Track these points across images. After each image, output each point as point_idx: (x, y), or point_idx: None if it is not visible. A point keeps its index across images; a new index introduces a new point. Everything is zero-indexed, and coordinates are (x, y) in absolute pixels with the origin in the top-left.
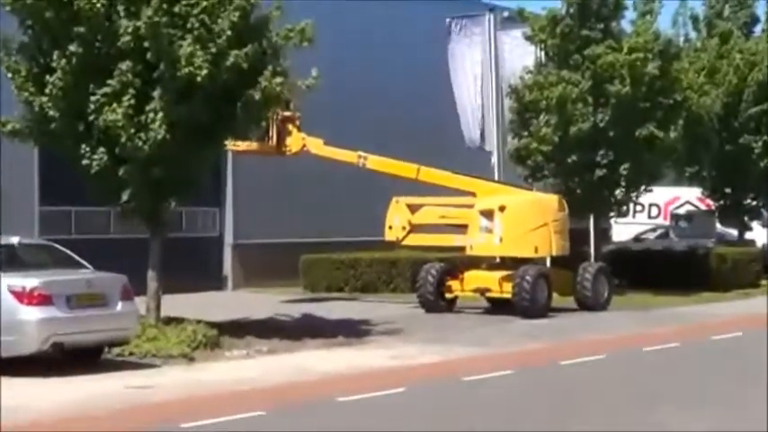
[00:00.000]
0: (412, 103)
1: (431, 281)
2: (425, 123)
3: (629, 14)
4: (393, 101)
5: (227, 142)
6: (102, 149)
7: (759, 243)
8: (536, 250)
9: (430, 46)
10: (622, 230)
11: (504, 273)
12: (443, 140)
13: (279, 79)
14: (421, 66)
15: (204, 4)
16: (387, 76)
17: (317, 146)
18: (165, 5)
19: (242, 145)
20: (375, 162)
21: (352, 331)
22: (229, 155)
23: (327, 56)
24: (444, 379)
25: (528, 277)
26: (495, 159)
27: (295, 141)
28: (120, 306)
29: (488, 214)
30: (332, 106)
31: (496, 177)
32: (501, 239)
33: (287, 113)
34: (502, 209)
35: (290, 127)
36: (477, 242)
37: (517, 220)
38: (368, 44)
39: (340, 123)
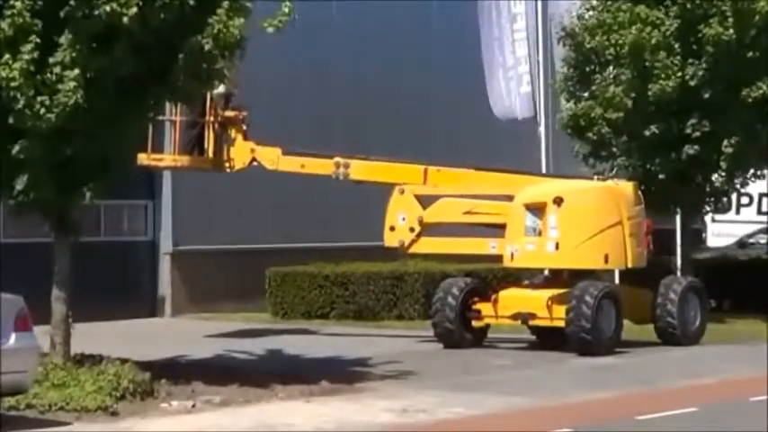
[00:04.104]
0: (422, 82)
1: (452, 304)
2: (444, 103)
3: None
4: (395, 83)
5: (143, 156)
6: None
7: None
8: (606, 260)
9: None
10: (722, 231)
11: (556, 292)
12: (472, 122)
13: (239, 20)
14: (434, 28)
15: None
16: (387, 49)
17: (271, 158)
18: None
19: (166, 159)
20: (361, 168)
21: (342, 374)
22: (167, 124)
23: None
24: None
25: (588, 298)
26: (542, 130)
27: (240, 153)
28: (13, 339)
29: (538, 209)
30: (305, 95)
31: (543, 152)
32: (557, 245)
33: (228, 113)
34: (558, 201)
35: (234, 133)
36: (522, 249)
37: (580, 218)
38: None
39: (317, 119)
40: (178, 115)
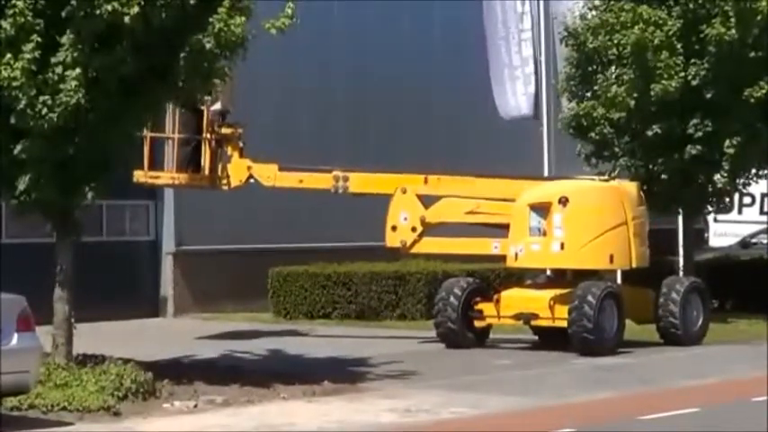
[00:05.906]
0: (426, 87)
1: (454, 304)
2: (445, 103)
3: None
4: (398, 87)
5: (140, 174)
6: None
7: None
8: (611, 260)
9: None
10: (724, 231)
11: (558, 292)
12: (474, 122)
13: (240, 19)
14: (436, 28)
15: None
16: (389, 49)
17: (268, 174)
18: None
19: (163, 176)
20: (361, 181)
21: (344, 374)
22: (167, 124)
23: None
24: None
25: (590, 298)
26: (544, 130)
27: (236, 170)
28: (15, 340)
29: (543, 209)
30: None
31: (545, 153)
32: (562, 245)
33: (225, 130)
34: (563, 201)
35: (230, 150)
36: (527, 249)
37: (586, 218)
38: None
39: (319, 120)
40: (176, 132)
